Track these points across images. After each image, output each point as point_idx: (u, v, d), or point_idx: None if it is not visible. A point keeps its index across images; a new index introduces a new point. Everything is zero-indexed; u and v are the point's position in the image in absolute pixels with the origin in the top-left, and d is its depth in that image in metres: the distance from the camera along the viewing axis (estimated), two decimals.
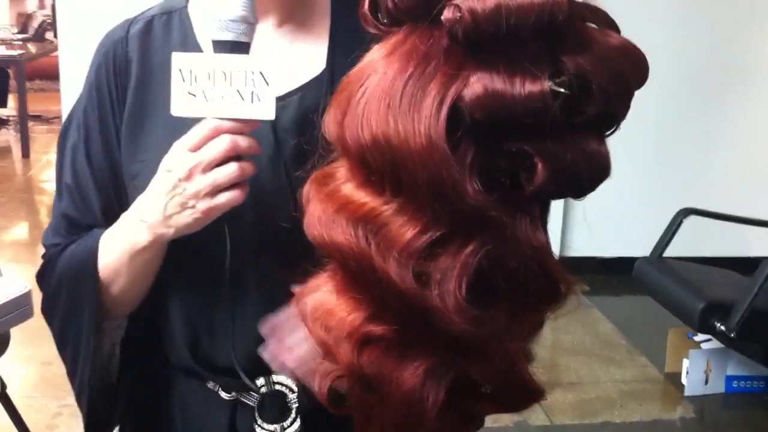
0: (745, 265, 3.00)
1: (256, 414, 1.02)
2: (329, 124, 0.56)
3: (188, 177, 0.87)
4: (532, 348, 0.59)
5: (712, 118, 4.52)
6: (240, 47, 0.88)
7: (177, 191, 0.88)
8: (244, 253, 0.95)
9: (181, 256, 0.97)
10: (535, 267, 0.54)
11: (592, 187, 0.55)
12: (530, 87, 0.50)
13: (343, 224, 0.53)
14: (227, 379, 1.01)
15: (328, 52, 0.98)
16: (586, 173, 0.54)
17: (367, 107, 0.53)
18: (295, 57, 0.96)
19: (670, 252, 3.27)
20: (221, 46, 0.88)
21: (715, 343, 3.18)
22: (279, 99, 0.89)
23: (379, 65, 0.54)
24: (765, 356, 3.16)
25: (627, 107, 0.57)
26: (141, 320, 1.05)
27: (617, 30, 0.57)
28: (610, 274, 4.46)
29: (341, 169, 0.57)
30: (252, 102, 0.86)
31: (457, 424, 0.57)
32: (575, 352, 3.70)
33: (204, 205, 0.87)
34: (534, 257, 0.54)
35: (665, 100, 4.44)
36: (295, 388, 1.01)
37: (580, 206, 4.51)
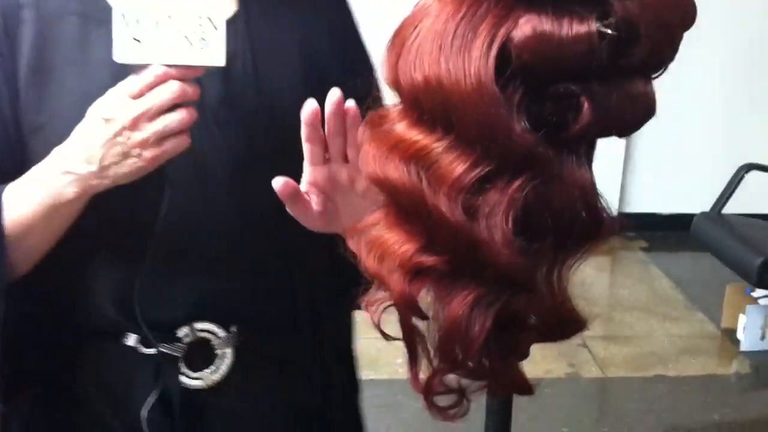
0: None
1: (182, 364, 1.00)
2: (384, 67, 0.59)
3: (134, 125, 0.84)
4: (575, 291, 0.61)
5: None
6: None
7: (119, 140, 0.85)
8: (176, 201, 0.94)
9: (108, 206, 0.93)
10: (580, 204, 0.56)
11: (636, 127, 0.57)
12: (578, 28, 0.52)
13: (396, 161, 0.56)
14: (151, 332, 0.98)
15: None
16: (631, 113, 0.56)
17: (420, 49, 0.56)
18: None
19: (730, 208, 3.24)
20: None
21: None
22: None
23: (431, 9, 0.56)
24: None
25: (674, 50, 0.58)
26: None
27: None
28: (670, 231, 4.42)
29: (395, 111, 0.60)
30: (201, 48, 0.84)
31: (502, 353, 0.60)
32: (632, 307, 3.71)
33: (150, 153, 0.85)
34: (579, 195, 0.56)
35: (732, 56, 4.34)
36: (221, 333, 1.01)
37: (640, 162, 4.47)
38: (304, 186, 0.90)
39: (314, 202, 0.90)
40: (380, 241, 0.58)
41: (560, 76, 0.54)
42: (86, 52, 0.94)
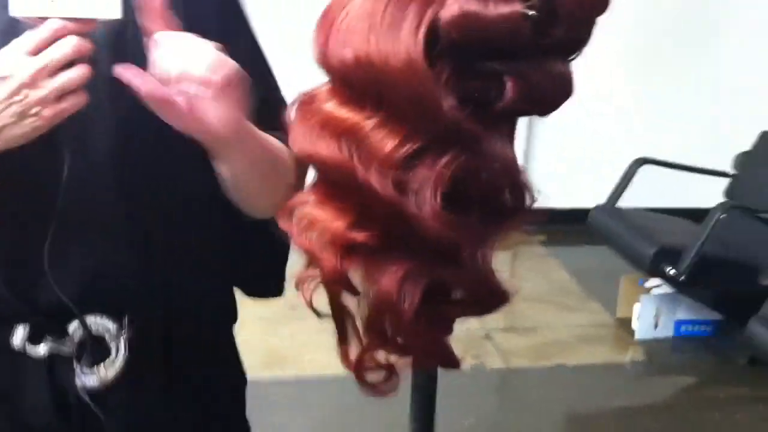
0: (699, 215, 3.10)
1: (75, 363, 0.97)
2: (314, 46, 0.59)
3: (32, 82, 0.82)
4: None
5: (669, 69, 4.59)
6: None
7: (16, 99, 0.82)
8: (71, 176, 0.90)
9: (4, 175, 0.89)
10: (504, 179, 0.59)
11: (556, 106, 0.60)
12: (503, 8, 0.54)
13: (327, 138, 0.57)
14: (40, 320, 0.95)
15: None
16: (552, 93, 0.58)
17: (350, 29, 0.57)
18: None
19: (625, 203, 3.36)
20: None
21: (665, 290, 3.30)
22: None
23: None
24: (713, 301, 3.29)
25: (590, 33, 0.61)
26: None
27: None
28: (567, 224, 4.54)
29: (323, 90, 0.61)
30: (97, 1, 0.82)
31: (430, 326, 0.61)
32: (531, 299, 3.80)
33: (49, 111, 0.83)
34: (503, 170, 0.58)
35: (622, 50, 4.50)
36: (113, 327, 0.98)
37: (539, 157, 4.56)
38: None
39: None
40: (311, 218, 0.59)
41: (486, 55, 0.56)
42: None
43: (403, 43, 0.55)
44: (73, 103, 0.84)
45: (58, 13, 0.82)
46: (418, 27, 0.55)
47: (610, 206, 3.26)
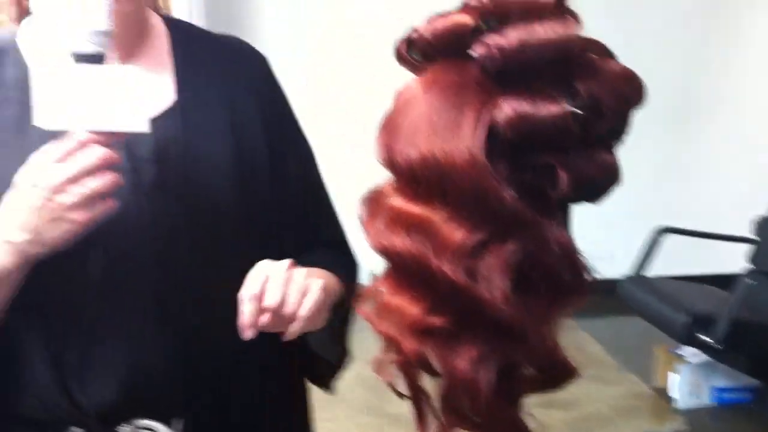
0: (723, 281, 3.12)
1: None
2: (378, 146, 0.65)
3: (60, 189, 0.86)
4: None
5: (688, 139, 4.64)
6: (101, 59, 0.88)
7: (49, 205, 0.87)
8: (110, 279, 0.96)
9: (43, 276, 0.94)
10: (564, 261, 0.64)
11: (606, 192, 0.65)
12: (552, 109, 0.60)
13: (400, 233, 0.63)
14: (92, 424, 0.98)
15: (177, 83, 1.00)
16: (601, 180, 0.64)
17: (414, 131, 0.63)
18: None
19: (651, 271, 3.38)
20: (83, 59, 0.87)
21: (700, 357, 3.29)
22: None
23: (420, 96, 0.64)
24: (749, 367, 3.27)
25: (629, 124, 0.67)
26: None
27: (615, 58, 0.67)
28: (596, 295, 4.53)
29: (389, 187, 0.66)
30: (125, 114, 0.87)
31: (504, 404, 0.65)
32: None
33: (79, 215, 0.87)
34: (562, 253, 0.63)
35: (642, 122, 4.56)
36: (164, 430, 1.01)
37: None
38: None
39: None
40: (388, 306, 0.64)
41: (539, 150, 0.62)
42: (23, 137, 0.97)
43: (464, 142, 0.61)
44: (104, 208, 0.89)
45: (85, 126, 0.86)
46: (476, 127, 0.61)
47: (637, 276, 3.28)
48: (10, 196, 0.89)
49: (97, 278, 0.96)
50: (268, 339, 1.00)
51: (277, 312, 0.94)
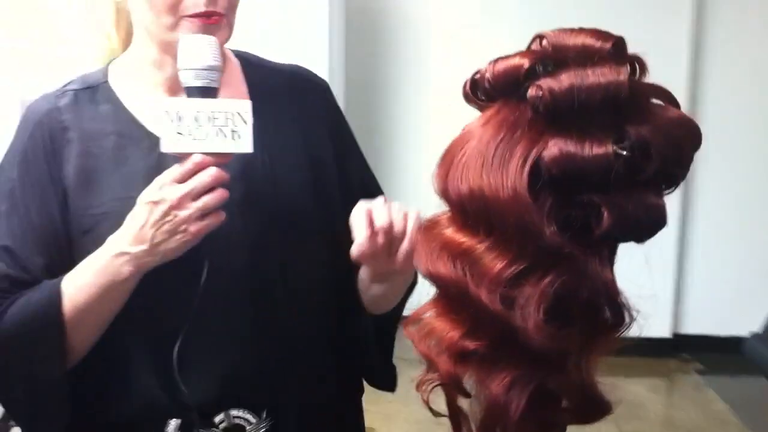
0: None
1: None
2: (436, 180, 0.70)
3: (179, 205, 0.99)
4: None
5: None
6: (212, 92, 1.01)
7: (167, 219, 0.99)
8: (213, 285, 1.06)
9: (151, 285, 1.05)
10: (603, 297, 0.66)
11: (650, 234, 0.67)
12: (597, 149, 0.63)
13: (445, 259, 0.67)
14: (189, 415, 1.08)
15: (253, 110, 1.08)
16: (645, 222, 0.66)
17: (466, 165, 0.67)
18: None
19: None
20: (196, 91, 1.00)
21: None
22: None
23: (476, 132, 0.68)
24: None
25: (685, 168, 0.68)
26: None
27: (677, 105, 0.69)
28: (725, 353, 4.37)
29: (444, 217, 0.70)
30: (233, 139, 1.00)
31: (535, 430, 0.68)
32: (687, 429, 3.65)
33: (195, 227, 0.99)
34: (602, 289, 0.65)
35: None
36: (253, 419, 1.11)
37: (693, 284, 4.45)
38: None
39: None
40: (430, 328, 0.68)
41: (584, 188, 0.64)
42: (123, 164, 1.10)
43: (510, 178, 0.64)
44: (214, 220, 1.01)
45: (200, 149, 0.99)
46: (523, 164, 0.64)
47: (766, 334, 3.13)
48: (132, 212, 1.01)
49: (202, 284, 1.05)
50: (339, 342, 1.15)
51: (387, 232, 1.03)
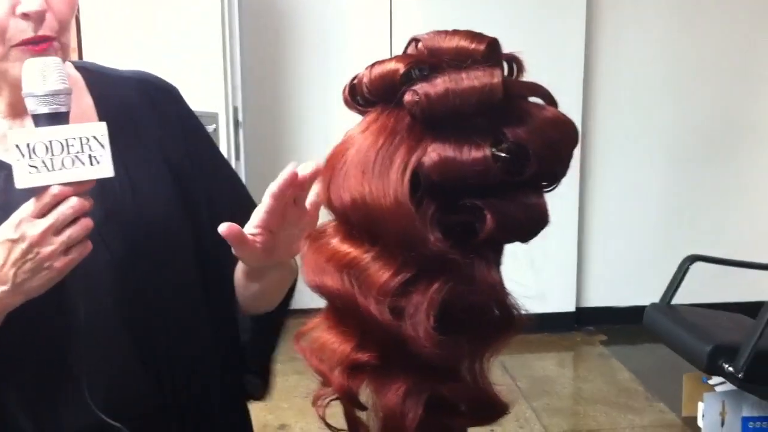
0: (754, 310, 3.08)
1: None
2: (320, 189, 0.68)
3: (41, 241, 0.92)
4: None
5: (717, 168, 4.63)
6: (62, 117, 0.94)
7: (29, 257, 0.93)
8: (88, 318, 1.02)
9: (19, 324, 0.99)
10: (491, 301, 0.66)
11: (534, 233, 0.67)
12: (475, 153, 0.62)
13: (332, 271, 0.65)
14: None
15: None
16: (527, 222, 0.66)
17: (347, 174, 0.65)
18: None
19: (679, 299, 3.35)
20: (44, 119, 0.94)
21: (729, 386, 3.23)
22: None
23: (356, 139, 0.67)
24: None
25: (564, 167, 0.69)
26: None
27: (554, 104, 0.69)
28: (626, 324, 4.51)
29: (330, 227, 0.69)
30: (92, 164, 0.94)
31: None
32: (595, 400, 3.76)
33: (60, 262, 0.93)
34: (490, 293, 0.65)
35: (671, 151, 4.56)
36: None
37: (593, 260, 4.59)
38: (251, 229, 1.01)
39: (259, 241, 1.01)
40: (321, 342, 0.67)
41: (465, 193, 0.64)
42: (10, 200, 1.01)
43: (391, 186, 0.63)
44: (80, 252, 0.95)
45: (58, 180, 0.93)
46: (404, 172, 0.63)
47: (664, 304, 3.25)
48: None
49: (75, 319, 1.01)
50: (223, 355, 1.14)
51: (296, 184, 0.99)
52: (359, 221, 0.65)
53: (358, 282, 0.64)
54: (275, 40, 4.50)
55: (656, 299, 3.39)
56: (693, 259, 3.32)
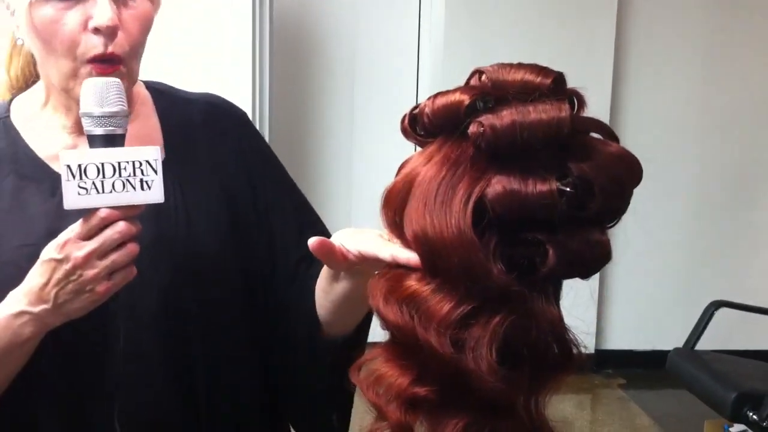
0: None
1: None
2: (382, 221, 0.68)
3: (85, 264, 0.91)
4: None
5: (742, 214, 4.60)
6: (117, 139, 0.93)
7: (72, 278, 0.92)
8: (129, 339, 1.01)
9: (60, 343, 0.99)
10: (551, 336, 0.65)
11: (595, 270, 0.66)
12: (540, 187, 0.62)
13: (393, 304, 0.65)
14: None
15: (165, 143, 1.06)
16: (590, 258, 0.65)
17: (411, 206, 0.65)
18: None
19: (702, 345, 3.31)
20: (99, 140, 0.93)
21: None
22: None
23: (418, 172, 0.66)
24: None
25: (626, 203, 0.68)
26: None
27: (616, 140, 0.69)
28: (647, 368, 4.46)
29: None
30: (142, 189, 0.92)
31: None
32: None
33: (102, 287, 0.92)
34: (549, 328, 0.64)
35: (697, 195, 4.54)
36: None
37: (614, 301, 4.56)
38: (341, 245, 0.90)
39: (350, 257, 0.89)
40: (378, 374, 0.66)
41: (528, 226, 0.63)
42: (22, 206, 1.02)
43: (454, 217, 0.63)
44: (124, 277, 0.94)
45: (107, 203, 0.92)
46: (466, 203, 0.63)
47: (688, 350, 3.21)
48: (34, 269, 0.94)
49: (116, 341, 1.00)
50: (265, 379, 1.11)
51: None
52: (421, 253, 0.64)
53: (419, 315, 0.63)
54: (305, 65, 4.53)
55: (676, 344, 3.35)
56: (718, 304, 3.29)
